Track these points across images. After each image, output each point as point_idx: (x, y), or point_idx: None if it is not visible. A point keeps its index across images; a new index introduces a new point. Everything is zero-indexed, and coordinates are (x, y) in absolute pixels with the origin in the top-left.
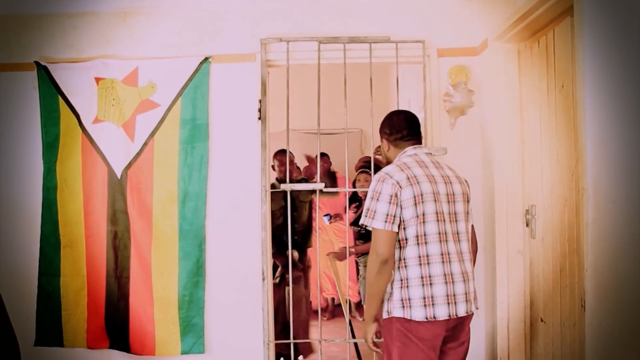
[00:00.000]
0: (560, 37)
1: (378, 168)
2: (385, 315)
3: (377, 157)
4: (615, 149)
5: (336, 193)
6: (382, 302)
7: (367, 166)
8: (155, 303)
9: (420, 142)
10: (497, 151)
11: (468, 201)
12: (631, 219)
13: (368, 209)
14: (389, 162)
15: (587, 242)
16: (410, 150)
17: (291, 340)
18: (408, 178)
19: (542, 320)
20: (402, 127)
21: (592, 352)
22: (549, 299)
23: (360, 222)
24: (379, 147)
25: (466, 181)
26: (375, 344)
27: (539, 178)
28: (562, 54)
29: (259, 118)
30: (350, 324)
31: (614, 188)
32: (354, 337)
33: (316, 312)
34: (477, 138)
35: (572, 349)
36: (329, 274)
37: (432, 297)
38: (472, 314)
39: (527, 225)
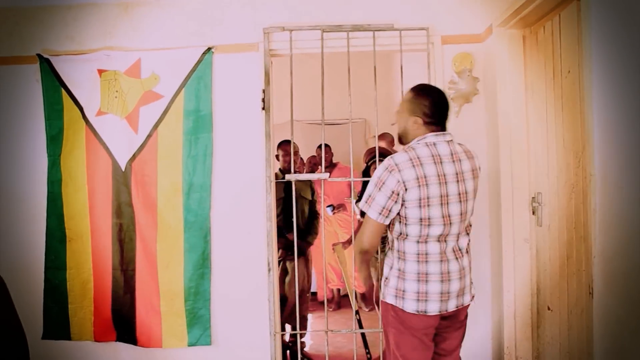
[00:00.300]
0: (566, 22)
1: (383, 157)
2: (381, 297)
3: (382, 146)
4: (622, 134)
5: (337, 184)
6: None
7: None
8: (161, 295)
9: (444, 128)
10: (502, 139)
11: (474, 198)
12: (636, 203)
13: (369, 195)
14: (402, 136)
15: (595, 229)
16: (430, 137)
17: (297, 332)
18: (417, 178)
19: (549, 309)
20: (434, 114)
21: (600, 339)
22: (556, 287)
23: (360, 205)
24: (384, 135)
25: (479, 167)
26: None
27: (545, 165)
28: (568, 39)
29: (263, 108)
30: (357, 313)
31: (621, 173)
32: (361, 327)
33: (322, 302)
34: (483, 126)
35: (579, 337)
36: (335, 265)
37: (426, 293)
38: (467, 305)
39: (533, 213)
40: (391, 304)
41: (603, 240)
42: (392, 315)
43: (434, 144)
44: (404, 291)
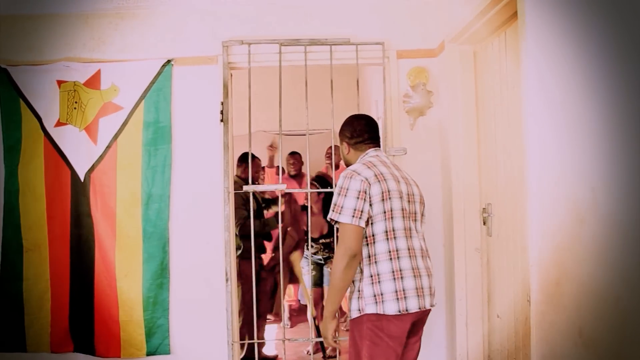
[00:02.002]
0: (511, 39)
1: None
2: (356, 314)
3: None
4: (554, 147)
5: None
6: (343, 298)
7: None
8: (120, 305)
9: (379, 146)
10: (454, 151)
11: (423, 204)
12: (568, 215)
13: (335, 204)
14: (347, 165)
15: (532, 239)
16: (372, 151)
17: (255, 340)
18: (376, 175)
19: (498, 317)
20: (363, 131)
21: (537, 344)
22: (504, 295)
23: (328, 217)
24: (330, 148)
25: (418, 185)
26: (335, 340)
27: (494, 177)
28: (513, 55)
29: (222, 120)
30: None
31: (554, 186)
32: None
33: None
34: (437, 138)
35: (524, 343)
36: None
37: (403, 290)
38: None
39: (484, 223)
40: (367, 315)
41: (538, 251)
42: (368, 327)
43: (377, 155)
44: (382, 294)
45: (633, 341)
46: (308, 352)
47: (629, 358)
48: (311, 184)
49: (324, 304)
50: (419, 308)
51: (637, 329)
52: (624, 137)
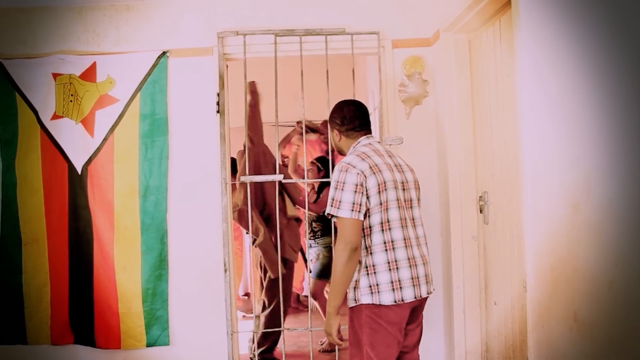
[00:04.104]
0: (505, 27)
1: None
2: (352, 304)
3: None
4: (549, 134)
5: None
6: (345, 293)
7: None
8: (119, 297)
9: (370, 132)
10: (450, 140)
11: (418, 188)
12: (562, 201)
13: (333, 199)
14: (339, 152)
15: (527, 226)
16: (364, 140)
17: (254, 330)
18: (371, 167)
19: (495, 304)
20: (354, 118)
21: (533, 330)
22: (501, 282)
23: (326, 212)
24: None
25: (413, 169)
26: (340, 336)
27: (490, 165)
28: (507, 43)
29: (218, 111)
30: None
31: (547, 172)
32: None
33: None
34: (433, 127)
35: (520, 329)
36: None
37: (399, 280)
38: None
39: (480, 211)
40: (365, 304)
41: (533, 237)
42: (367, 315)
43: (370, 144)
44: (377, 285)
45: (626, 324)
46: (321, 342)
47: (622, 340)
48: (312, 163)
49: (328, 299)
50: (415, 297)
51: (630, 312)
52: (617, 123)
